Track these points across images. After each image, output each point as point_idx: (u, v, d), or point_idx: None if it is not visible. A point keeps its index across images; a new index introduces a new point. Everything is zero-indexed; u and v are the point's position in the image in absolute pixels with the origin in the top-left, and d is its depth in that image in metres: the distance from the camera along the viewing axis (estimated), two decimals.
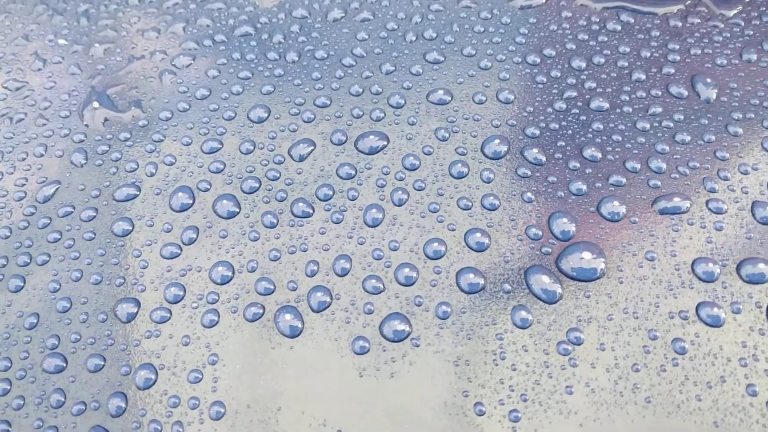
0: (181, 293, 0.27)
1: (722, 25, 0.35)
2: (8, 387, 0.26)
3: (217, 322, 0.26)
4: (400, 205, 0.29)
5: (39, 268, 0.28)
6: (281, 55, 0.34)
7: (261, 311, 0.26)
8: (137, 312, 0.27)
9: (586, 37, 0.34)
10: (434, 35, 0.35)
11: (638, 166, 0.30)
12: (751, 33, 0.35)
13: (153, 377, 0.25)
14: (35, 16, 0.38)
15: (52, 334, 0.26)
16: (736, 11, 0.36)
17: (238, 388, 0.25)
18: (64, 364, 0.26)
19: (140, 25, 0.37)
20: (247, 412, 0.24)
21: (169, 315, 0.27)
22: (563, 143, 0.30)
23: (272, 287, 0.27)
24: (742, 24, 0.35)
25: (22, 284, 0.28)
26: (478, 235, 0.28)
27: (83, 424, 0.24)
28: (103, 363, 0.26)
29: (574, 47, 0.34)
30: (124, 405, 0.25)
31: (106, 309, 0.27)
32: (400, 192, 0.29)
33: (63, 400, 0.25)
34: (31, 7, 0.39)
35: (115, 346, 0.26)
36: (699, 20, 0.35)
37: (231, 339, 0.26)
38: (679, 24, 0.35)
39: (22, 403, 0.25)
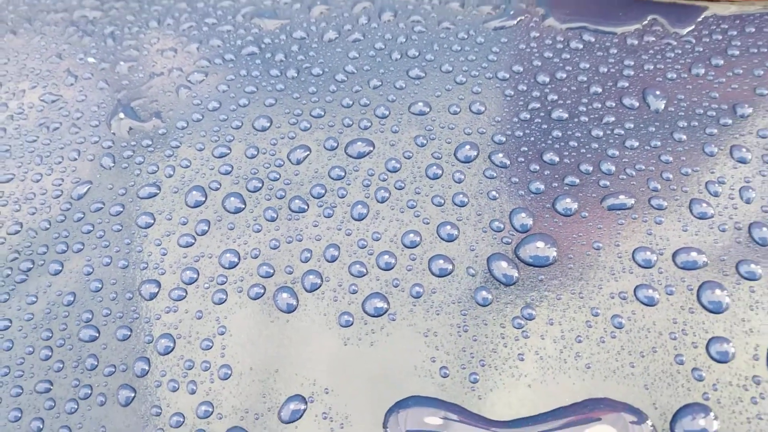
0: (195, 276, 0.32)
1: (675, 43, 0.40)
2: (50, 353, 0.31)
3: (225, 299, 0.32)
4: (382, 202, 0.34)
5: (75, 255, 0.34)
6: (282, 72, 0.40)
7: (262, 291, 0.32)
8: (158, 291, 0.32)
9: (551, 55, 0.39)
10: (417, 54, 0.40)
11: (591, 168, 0.35)
12: (701, 49, 0.40)
13: (171, 345, 0.31)
14: (67, 37, 0.44)
15: (87, 310, 0.32)
16: (689, 29, 0.41)
17: (242, 354, 0.30)
18: (97, 335, 0.31)
19: (159, 46, 0.43)
20: (250, 373, 0.30)
21: (185, 294, 0.32)
22: (526, 149, 0.36)
23: (272, 271, 0.32)
24: (694, 41, 0.40)
25: (60, 268, 0.34)
26: (449, 227, 0.33)
27: (113, 383, 0.30)
28: (129, 333, 0.31)
29: (539, 64, 0.39)
30: (147, 367, 0.30)
31: (132, 289, 0.32)
32: (382, 191, 0.35)
33: (96, 363, 0.31)
34: (64, 28, 0.45)
35: (140, 320, 0.32)
36: (654, 38, 0.40)
37: (237, 314, 0.31)
38: (636, 42, 0.40)
39: (61, 366, 0.31)
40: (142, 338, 0.31)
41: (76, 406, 0.30)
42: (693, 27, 0.41)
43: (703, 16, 0.41)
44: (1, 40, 0.45)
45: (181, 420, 0.29)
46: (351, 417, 0.28)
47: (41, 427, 0.29)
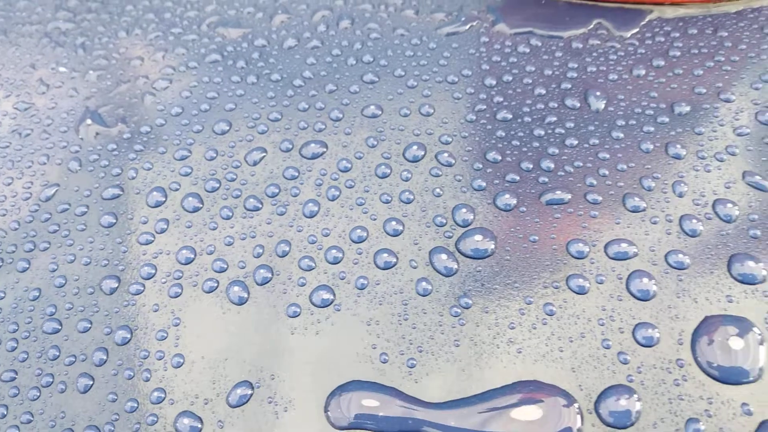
0: (153, 271, 0.35)
1: (619, 45, 0.43)
2: (15, 345, 0.34)
3: (181, 293, 0.34)
4: (333, 200, 0.37)
5: (41, 253, 0.37)
6: (243, 78, 0.43)
7: (216, 285, 0.34)
8: (118, 286, 0.35)
9: (499, 59, 0.42)
10: (371, 59, 0.43)
11: (531, 165, 0.37)
12: (644, 51, 0.42)
13: (129, 336, 0.33)
14: (41, 48, 0.47)
15: (51, 304, 0.35)
16: (632, 32, 0.43)
17: (195, 344, 0.33)
18: (59, 327, 0.34)
19: (127, 55, 0.46)
20: (202, 361, 0.32)
21: (143, 288, 0.35)
22: (471, 148, 0.38)
23: (225, 266, 0.35)
24: (637, 44, 0.43)
25: (27, 266, 0.36)
26: (394, 223, 0.36)
27: (73, 372, 0.32)
28: (89, 325, 0.34)
29: (487, 68, 0.42)
30: (105, 357, 0.33)
31: (93, 284, 0.35)
32: (333, 189, 0.37)
33: (58, 354, 0.33)
34: (38, 40, 0.48)
35: (100, 313, 0.34)
36: (599, 41, 0.43)
37: (191, 306, 0.34)
38: (581, 45, 0.43)
39: (26, 356, 0.33)
40: (101, 330, 0.33)
41: (38, 394, 0.32)
42: (637, 30, 0.43)
43: (647, 20, 0.44)
44: None
45: (135, 405, 0.31)
46: (294, 401, 0.31)
47: (5, 413, 0.32)
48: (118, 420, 0.31)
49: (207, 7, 0.47)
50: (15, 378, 0.33)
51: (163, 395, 0.31)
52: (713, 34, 0.43)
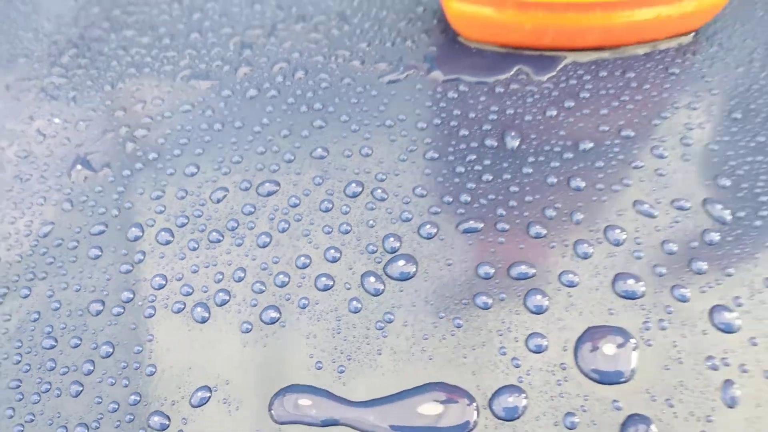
0: (132, 296, 0.43)
1: (536, 89, 0.50)
2: (20, 358, 0.42)
3: (154, 314, 0.43)
4: (282, 232, 0.45)
5: (40, 282, 0.45)
6: (210, 125, 0.51)
7: (183, 306, 0.43)
8: (102, 309, 0.43)
9: (430, 104, 0.50)
10: (321, 107, 0.51)
11: (451, 199, 0.45)
12: (557, 93, 0.50)
13: (111, 350, 0.41)
14: (38, 102, 0.56)
15: (48, 324, 0.43)
16: (549, 76, 0.51)
17: (165, 356, 0.41)
18: (55, 343, 0.42)
19: (112, 106, 0.54)
20: (170, 370, 0.40)
21: (123, 311, 0.43)
22: (401, 185, 0.46)
23: (191, 290, 0.43)
24: (552, 87, 0.50)
25: (28, 293, 0.45)
26: (333, 251, 0.44)
27: (66, 380, 0.41)
28: (79, 342, 0.42)
29: (420, 112, 0.50)
30: (92, 368, 0.41)
31: (82, 307, 0.44)
32: (283, 222, 0.45)
33: (54, 365, 0.41)
34: (35, 94, 0.57)
35: (88, 331, 0.42)
36: (518, 86, 0.51)
37: (162, 325, 0.42)
38: (502, 90, 0.50)
39: (28, 368, 0.42)
40: (89, 345, 0.42)
41: (38, 398, 0.40)
42: (554, 74, 0.51)
43: (563, 64, 0.52)
44: None
45: (116, 407, 0.39)
46: (245, 401, 0.39)
47: (12, 414, 0.40)
48: (103, 418, 0.39)
49: (181, 61, 0.55)
50: (20, 386, 0.41)
51: (138, 398, 0.39)
52: (621, 75, 0.51)
